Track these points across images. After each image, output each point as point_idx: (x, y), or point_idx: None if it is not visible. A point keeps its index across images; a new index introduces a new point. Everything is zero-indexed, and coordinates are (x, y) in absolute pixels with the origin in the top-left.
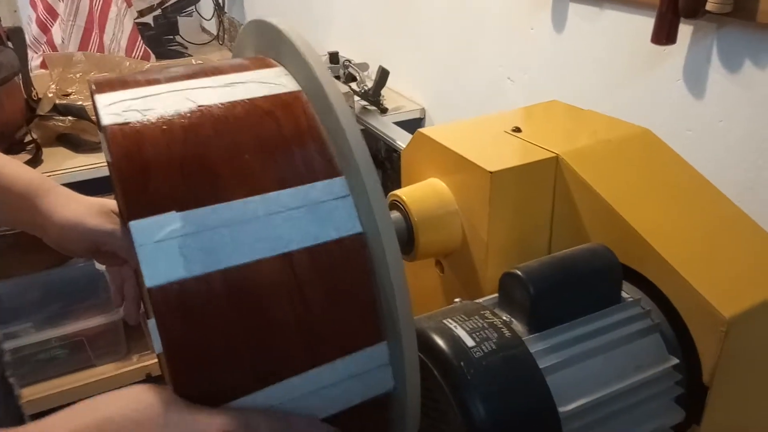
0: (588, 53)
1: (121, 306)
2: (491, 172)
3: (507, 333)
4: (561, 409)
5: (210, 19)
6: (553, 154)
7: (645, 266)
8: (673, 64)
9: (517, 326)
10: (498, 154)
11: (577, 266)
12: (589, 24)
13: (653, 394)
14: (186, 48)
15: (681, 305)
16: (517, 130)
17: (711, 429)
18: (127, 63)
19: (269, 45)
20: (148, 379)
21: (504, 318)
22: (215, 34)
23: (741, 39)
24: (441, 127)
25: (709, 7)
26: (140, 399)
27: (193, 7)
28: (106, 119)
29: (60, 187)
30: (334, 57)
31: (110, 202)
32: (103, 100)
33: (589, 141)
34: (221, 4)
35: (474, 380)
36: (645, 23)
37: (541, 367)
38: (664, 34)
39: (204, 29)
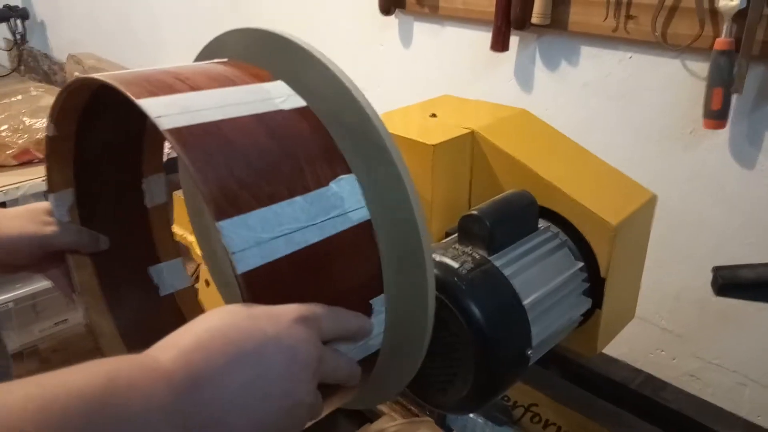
0: (434, 64)
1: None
2: (434, 145)
3: (477, 255)
4: (524, 302)
5: (10, 50)
6: (470, 130)
7: (552, 202)
8: (506, 68)
9: (479, 252)
10: (431, 133)
11: (512, 205)
12: (433, 39)
13: (570, 290)
14: None
15: (580, 224)
16: (434, 116)
17: (609, 310)
18: None
19: (265, 54)
20: None
21: (468, 248)
22: (8, 66)
23: (557, 44)
24: None
25: (533, 20)
26: (222, 309)
27: None
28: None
29: None
30: None
31: (37, 206)
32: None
33: (491, 119)
34: (23, 34)
35: (467, 289)
36: (480, 36)
37: (505, 275)
38: (500, 44)
39: None
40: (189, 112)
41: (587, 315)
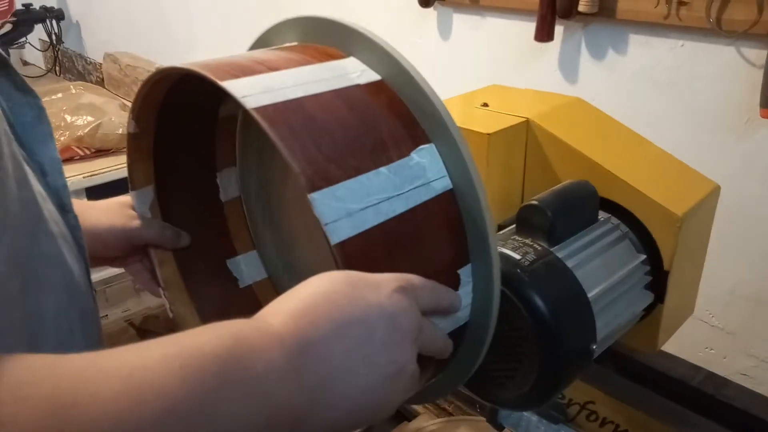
0: (474, 57)
1: (160, 293)
2: (488, 134)
3: (538, 247)
4: (589, 295)
5: (46, 50)
6: (524, 118)
7: (611, 192)
8: (550, 58)
9: (539, 243)
10: (485, 122)
11: (573, 195)
12: (473, 31)
13: (633, 283)
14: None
15: (643, 215)
16: (485, 105)
17: (671, 304)
18: None
19: (325, 39)
20: None
21: (528, 239)
22: (43, 66)
23: (604, 33)
24: None
25: (580, 8)
26: (324, 276)
27: (25, 38)
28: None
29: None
30: None
31: (122, 199)
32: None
33: (544, 107)
34: (58, 35)
35: (530, 281)
36: (523, 26)
37: (569, 267)
38: (545, 33)
39: (26, 62)
40: (271, 91)
41: (648, 309)
